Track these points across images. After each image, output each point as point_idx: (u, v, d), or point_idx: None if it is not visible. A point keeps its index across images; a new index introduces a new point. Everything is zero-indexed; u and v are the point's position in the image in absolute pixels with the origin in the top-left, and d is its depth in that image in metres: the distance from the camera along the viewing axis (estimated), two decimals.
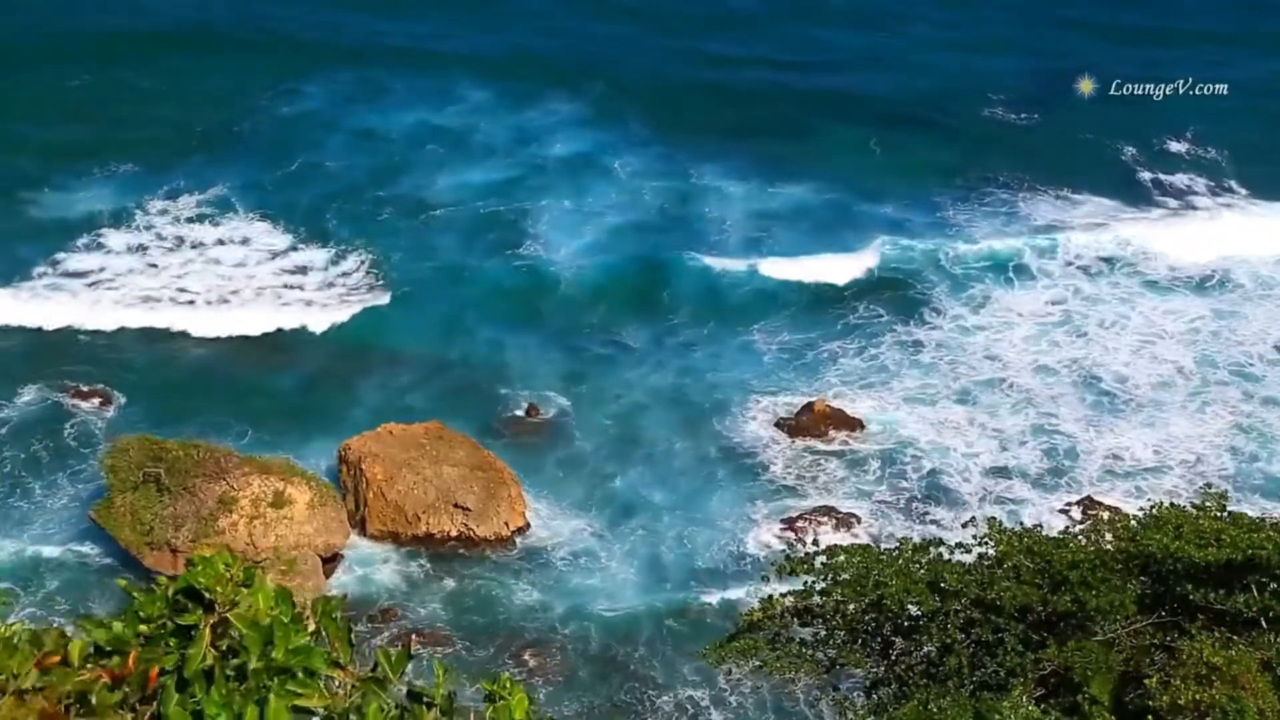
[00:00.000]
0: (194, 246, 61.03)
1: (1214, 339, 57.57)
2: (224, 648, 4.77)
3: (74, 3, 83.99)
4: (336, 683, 5.08)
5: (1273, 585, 17.54)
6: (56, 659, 4.59)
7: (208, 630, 4.73)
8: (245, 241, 61.55)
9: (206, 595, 4.80)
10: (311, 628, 5.04)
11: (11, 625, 4.83)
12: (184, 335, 54.04)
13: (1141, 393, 53.59)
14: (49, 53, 77.27)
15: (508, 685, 5.35)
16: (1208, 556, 17.61)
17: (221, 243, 61.44)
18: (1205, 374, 54.91)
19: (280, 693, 4.63)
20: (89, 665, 4.67)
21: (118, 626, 4.75)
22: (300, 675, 4.74)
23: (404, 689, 5.29)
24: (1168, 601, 18.30)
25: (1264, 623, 17.45)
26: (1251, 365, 55.59)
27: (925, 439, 50.15)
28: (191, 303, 56.62)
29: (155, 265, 59.29)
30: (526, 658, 39.52)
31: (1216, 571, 17.75)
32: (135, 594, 4.86)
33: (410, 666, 5.40)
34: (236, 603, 4.81)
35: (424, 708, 5.21)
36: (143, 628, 4.77)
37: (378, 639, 39.67)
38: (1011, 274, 61.72)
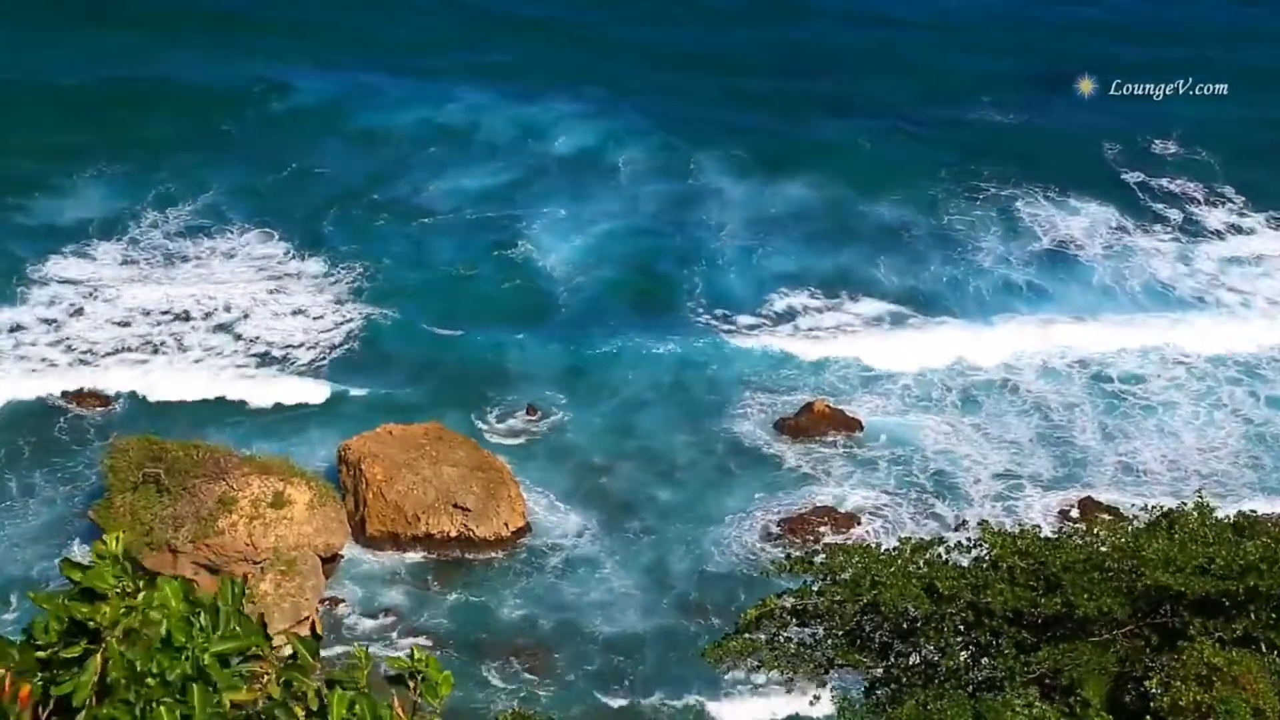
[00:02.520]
0: (185, 260, 59.78)
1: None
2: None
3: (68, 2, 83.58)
4: (260, 673, 5.05)
5: (1273, 607, 17.47)
6: None
7: (98, 659, 4.72)
8: (236, 251, 60.48)
9: (90, 624, 4.76)
10: (228, 626, 5.00)
11: None
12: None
13: (1151, 389, 53.70)
14: (41, 51, 77.09)
15: (424, 660, 5.29)
16: (1207, 587, 17.54)
17: (213, 251, 60.44)
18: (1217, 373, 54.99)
19: (165, 707, 4.63)
20: None
21: (13, 653, 4.77)
22: (188, 688, 4.73)
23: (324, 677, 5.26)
24: (1163, 611, 18.26)
25: (1263, 646, 17.41)
26: (1260, 367, 55.59)
27: (926, 439, 50.11)
28: (187, 315, 55.46)
29: (145, 279, 57.83)
30: (527, 659, 39.50)
31: (1214, 599, 17.69)
32: (45, 603, 4.86)
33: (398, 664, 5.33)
34: (125, 627, 4.77)
35: (343, 692, 5.18)
36: (40, 654, 4.76)
37: (377, 640, 39.65)
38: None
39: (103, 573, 4.85)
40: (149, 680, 4.66)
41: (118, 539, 4.99)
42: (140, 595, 4.86)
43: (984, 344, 56.36)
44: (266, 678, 5.05)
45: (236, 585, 5.10)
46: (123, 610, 4.80)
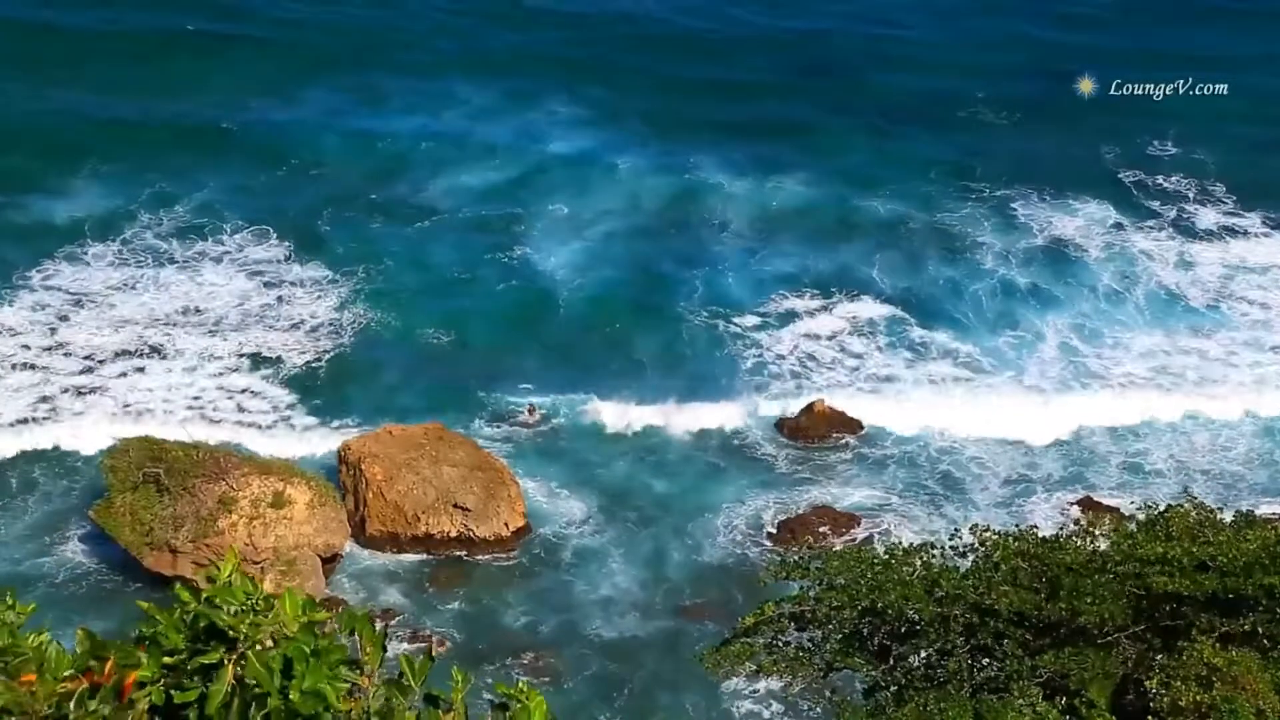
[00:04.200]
0: (181, 262, 59.43)
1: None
2: (242, 678, 4.75)
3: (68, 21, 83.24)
4: (359, 688, 5.06)
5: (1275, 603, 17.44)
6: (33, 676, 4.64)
7: (231, 668, 4.72)
8: (234, 253, 60.24)
9: (229, 633, 4.77)
10: (342, 639, 5.01)
11: (42, 635, 4.88)
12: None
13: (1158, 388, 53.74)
14: (38, 50, 76.95)
15: (524, 691, 5.30)
16: (1211, 585, 17.51)
17: (203, 255, 60.07)
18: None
19: None
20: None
21: (142, 658, 4.75)
22: (319, 714, 4.73)
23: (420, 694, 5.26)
24: (1167, 610, 18.23)
25: (1266, 641, 17.38)
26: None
27: (929, 439, 50.06)
28: (183, 318, 55.03)
29: (141, 282, 57.48)
30: (526, 659, 39.48)
31: (1220, 597, 17.65)
32: (158, 615, 4.84)
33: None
34: (257, 639, 4.77)
35: (440, 712, 5.18)
36: (166, 659, 4.77)
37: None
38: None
39: (234, 590, 4.86)
40: (274, 700, 4.66)
41: (233, 566, 5.01)
42: (270, 614, 4.88)
43: (987, 351, 56.17)
44: (369, 694, 5.06)
45: (361, 615, 5.13)
46: (256, 625, 4.80)
